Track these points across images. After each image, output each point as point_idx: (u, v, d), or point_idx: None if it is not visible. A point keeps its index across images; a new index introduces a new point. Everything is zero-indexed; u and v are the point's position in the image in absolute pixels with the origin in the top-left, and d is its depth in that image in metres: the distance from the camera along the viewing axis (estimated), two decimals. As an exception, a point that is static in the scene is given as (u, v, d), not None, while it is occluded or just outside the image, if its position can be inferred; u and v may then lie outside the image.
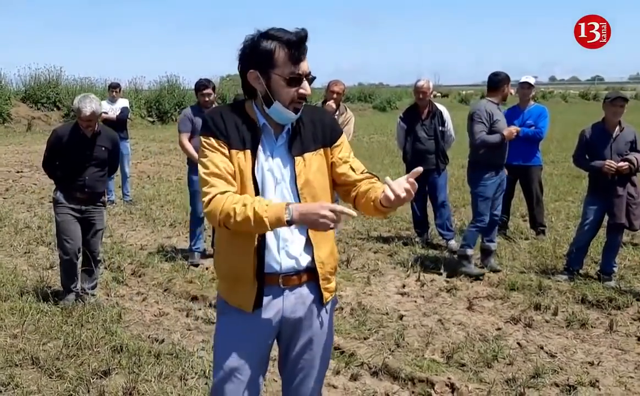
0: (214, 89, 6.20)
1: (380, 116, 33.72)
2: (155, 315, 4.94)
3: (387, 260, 6.43)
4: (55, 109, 22.91)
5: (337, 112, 6.35)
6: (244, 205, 2.02)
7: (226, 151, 2.12)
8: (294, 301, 2.24)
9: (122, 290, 5.52)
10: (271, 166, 2.17)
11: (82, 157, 4.87)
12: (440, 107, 6.90)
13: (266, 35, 2.08)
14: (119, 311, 4.90)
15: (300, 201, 2.15)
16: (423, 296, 5.35)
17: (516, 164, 6.90)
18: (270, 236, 2.17)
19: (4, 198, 9.96)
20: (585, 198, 5.83)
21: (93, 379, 3.79)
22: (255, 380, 2.28)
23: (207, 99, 6.09)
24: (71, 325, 4.59)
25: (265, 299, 2.21)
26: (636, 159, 5.26)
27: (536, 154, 7.17)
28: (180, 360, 4.01)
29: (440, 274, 5.90)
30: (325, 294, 2.29)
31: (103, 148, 4.99)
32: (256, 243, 2.15)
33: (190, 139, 6.08)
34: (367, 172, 2.29)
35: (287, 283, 2.21)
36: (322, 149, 2.24)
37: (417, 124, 6.77)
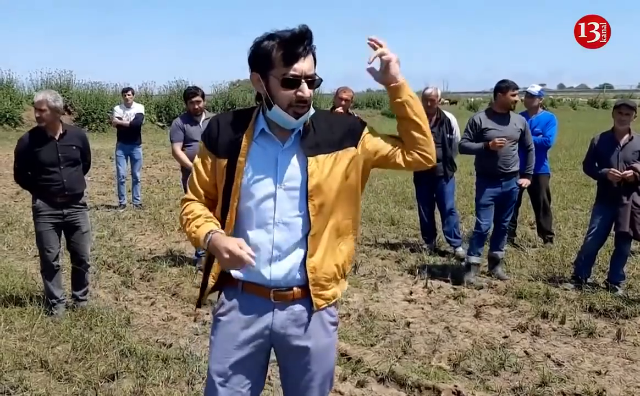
0: (203, 96, 6.23)
1: (389, 122, 33.66)
2: (163, 319, 4.97)
3: (395, 267, 6.44)
4: (66, 113, 23.07)
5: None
6: (188, 219, 2.14)
7: (210, 159, 2.15)
8: (285, 318, 2.14)
9: (130, 294, 5.56)
10: (272, 171, 2.07)
11: (54, 160, 4.77)
12: (448, 114, 6.92)
13: (268, 35, 2.00)
14: (128, 315, 4.93)
15: (308, 206, 2.06)
16: (430, 303, 5.36)
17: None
18: (262, 242, 2.08)
19: (15, 201, 10.05)
20: (593, 206, 5.83)
21: (101, 383, 3.82)
22: (246, 392, 2.23)
23: (196, 106, 6.13)
24: (80, 329, 4.63)
25: (251, 313, 2.15)
26: None
27: (544, 162, 7.15)
28: (188, 364, 4.04)
29: (448, 281, 5.90)
30: (318, 302, 2.13)
31: (74, 147, 4.92)
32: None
33: (182, 148, 6.11)
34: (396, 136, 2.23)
35: (278, 298, 2.11)
36: (340, 152, 2.11)
37: (425, 131, 6.77)
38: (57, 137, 4.83)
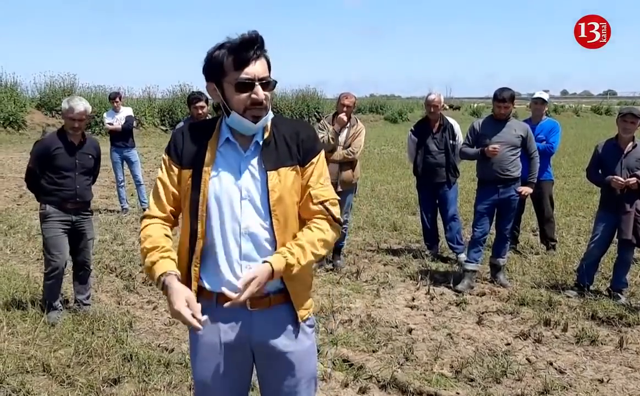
0: (206, 101, 6.24)
1: (392, 127, 33.73)
2: (165, 324, 4.97)
3: (397, 273, 6.43)
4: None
5: (348, 124, 6.39)
6: (144, 247, 2.08)
7: (175, 171, 2.12)
8: (263, 324, 2.13)
9: (132, 298, 5.56)
10: (236, 181, 2.07)
11: (70, 166, 4.81)
12: (451, 120, 6.92)
13: (219, 45, 2.01)
14: (130, 320, 4.93)
15: (272, 219, 2.06)
16: (432, 310, 5.35)
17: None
18: (230, 253, 2.07)
19: (18, 205, 10.07)
20: (596, 213, 5.82)
21: (103, 387, 3.82)
22: None
23: (200, 111, 6.14)
24: (82, 333, 4.63)
25: (229, 322, 2.13)
26: None
27: (547, 168, 7.15)
28: (190, 369, 4.02)
29: (450, 287, 5.89)
30: (301, 313, 2.16)
31: (90, 156, 4.96)
32: (187, 260, 2.13)
33: None
34: (322, 204, 2.11)
35: (255, 305, 2.09)
36: (297, 166, 2.11)
37: (427, 137, 6.79)
38: (77, 144, 4.87)
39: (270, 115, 2.10)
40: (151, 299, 5.53)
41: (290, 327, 2.16)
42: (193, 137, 2.13)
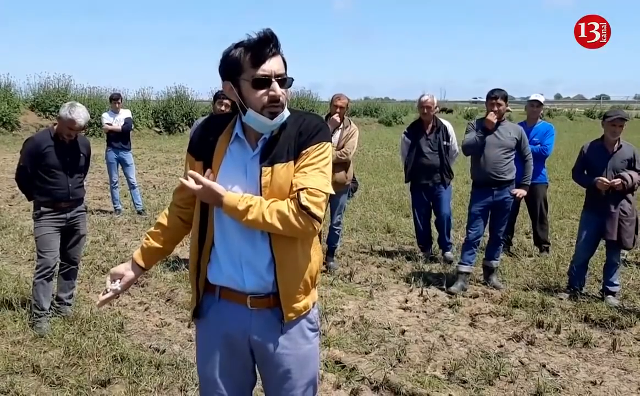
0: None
1: (386, 130, 33.77)
2: (157, 325, 4.94)
3: (390, 274, 6.42)
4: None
5: (341, 126, 6.38)
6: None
7: (190, 162, 2.20)
8: (262, 325, 2.12)
9: (124, 299, 5.52)
10: (240, 178, 2.07)
11: (61, 165, 4.75)
12: (445, 122, 6.92)
13: (235, 45, 2.03)
14: (121, 321, 4.91)
15: None
16: (425, 312, 5.34)
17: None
18: (231, 249, 2.10)
19: (10, 205, 10.01)
20: (581, 214, 5.83)
21: (93, 388, 3.79)
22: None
23: (221, 107, 6.12)
24: (72, 333, 4.60)
25: (229, 317, 2.14)
26: (630, 176, 5.27)
27: (541, 171, 7.15)
28: (181, 370, 4.01)
29: (443, 289, 5.89)
30: (289, 314, 2.11)
31: (81, 154, 4.93)
32: (197, 254, 2.20)
33: None
34: (298, 191, 2.00)
35: (255, 305, 2.10)
36: (292, 161, 2.05)
37: (421, 138, 6.79)
38: (68, 143, 4.82)
39: (287, 113, 2.07)
40: (143, 301, 5.50)
41: (287, 330, 2.15)
42: (208, 130, 2.18)
